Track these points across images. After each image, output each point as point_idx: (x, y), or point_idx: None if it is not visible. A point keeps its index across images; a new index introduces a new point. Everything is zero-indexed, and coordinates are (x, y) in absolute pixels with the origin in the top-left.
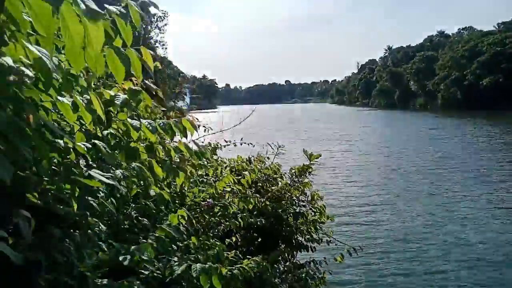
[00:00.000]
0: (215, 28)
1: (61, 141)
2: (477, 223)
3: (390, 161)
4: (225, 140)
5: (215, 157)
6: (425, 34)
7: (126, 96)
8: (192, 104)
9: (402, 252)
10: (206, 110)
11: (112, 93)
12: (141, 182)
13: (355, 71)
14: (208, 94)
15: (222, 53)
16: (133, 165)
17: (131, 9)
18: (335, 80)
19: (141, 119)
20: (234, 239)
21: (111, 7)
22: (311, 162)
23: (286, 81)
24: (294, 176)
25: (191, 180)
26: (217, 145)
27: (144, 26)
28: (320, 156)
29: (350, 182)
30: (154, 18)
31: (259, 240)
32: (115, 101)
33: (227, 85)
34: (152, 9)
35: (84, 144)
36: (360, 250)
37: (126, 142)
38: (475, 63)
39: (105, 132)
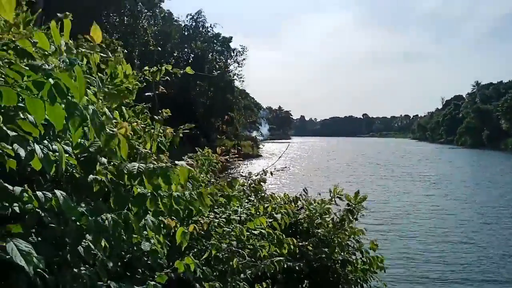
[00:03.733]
0: (293, 59)
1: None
2: None
3: (481, 211)
4: (267, 172)
5: (261, 192)
6: None
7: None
8: (270, 134)
9: None
10: (279, 141)
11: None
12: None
13: (439, 106)
14: (282, 125)
15: (300, 86)
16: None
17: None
18: (417, 115)
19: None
20: (265, 284)
21: None
22: (356, 206)
23: (363, 114)
24: (343, 220)
25: (222, 216)
26: (264, 179)
27: (224, 60)
28: (366, 198)
29: (413, 224)
30: (233, 52)
31: (300, 286)
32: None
33: (302, 116)
34: (232, 44)
35: (33, 195)
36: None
37: (114, 189)
38: None
39: (90, 177)
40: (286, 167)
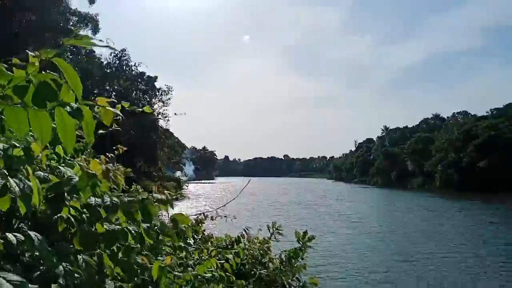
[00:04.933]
0: (217, 101)
1: None
2: None
3: (397, 247)
4: (210, 216)
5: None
6: (420, 117)
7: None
8: (194, 174)
9: None
10: (204, 181)
11: (68, 172)
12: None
13: (353, 149)
14: (207, 165)
15: (223, 126)
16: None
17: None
18: (333, 156)
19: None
20: None
21: None
22: (304, 245)
23: (284, 155)
24: (285, 261)
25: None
26: (202, 220)
27: (148, 99)
28: (314, 238)
29: (346, 262)
30: (158, 91)
31: None
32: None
33: (226, 157)
34: (157, 83)
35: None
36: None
37: (78, 227)
38: (470, 146)
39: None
40: (230, 215)
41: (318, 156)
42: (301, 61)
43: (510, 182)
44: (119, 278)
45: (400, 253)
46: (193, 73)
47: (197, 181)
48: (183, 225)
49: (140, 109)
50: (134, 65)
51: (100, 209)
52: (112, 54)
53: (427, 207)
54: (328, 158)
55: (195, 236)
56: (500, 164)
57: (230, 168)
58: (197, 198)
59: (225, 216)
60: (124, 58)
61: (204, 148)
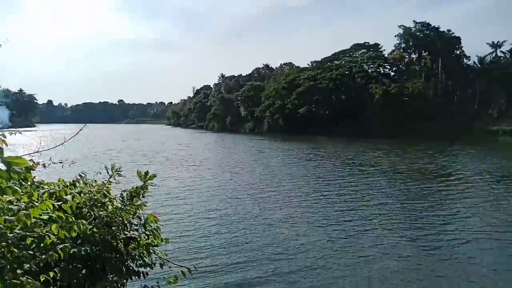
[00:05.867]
0: (37, 41)
1: None
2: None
3: (229, 183)
4: (43, 165)
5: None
6: (253, 66)
7: None
8: (9, 121)
9: (238, 270)
10: (22, 129)
11: None
12: None
13: (191, 95)
14: (25, 111)
15: (45, 68)
16: None
17: None
18: (171, 102)
19: None
20: (52, 274)
21: None
22: (145, 184)
23: (119, 101)
24: (126, 199)
25: None
26: (33, 166)
27: None
28: (155, 176)
29: (188, 203)
30: None
31: (84, 272)
32: None
33: (49, 101)
34: None
35: None
36: (195, 270)
37: None
38: (294, 94)
39: None
40: (65, 160)
41: (156, 102)
42: (141, 3)
43: (322, 126)
44: None
45: (234, 189)
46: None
47: (13, 130)
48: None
49: None
50: None
51: None
52: None
53: (258, 148)
54: (166, 104)
55: (22, 183)
56: (316, 110)
57: (55, 114)
58: (16, 149)
59: (60, 162)
60: None
61: (21, 90)
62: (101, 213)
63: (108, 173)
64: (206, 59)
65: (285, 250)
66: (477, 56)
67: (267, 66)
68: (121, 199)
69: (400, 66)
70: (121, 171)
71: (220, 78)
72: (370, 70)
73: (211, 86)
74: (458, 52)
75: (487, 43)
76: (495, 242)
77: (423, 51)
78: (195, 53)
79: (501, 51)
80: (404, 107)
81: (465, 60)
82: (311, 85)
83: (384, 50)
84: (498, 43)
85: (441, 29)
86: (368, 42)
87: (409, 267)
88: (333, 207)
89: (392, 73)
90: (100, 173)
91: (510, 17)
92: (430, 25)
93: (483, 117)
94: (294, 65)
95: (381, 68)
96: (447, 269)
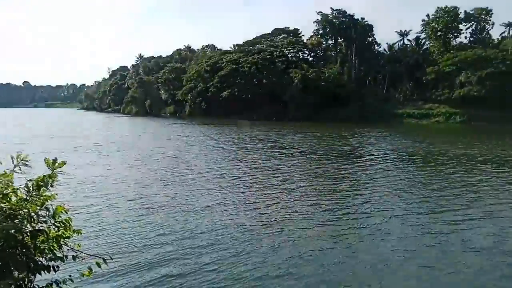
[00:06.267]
0: None
1: None
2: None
3: (153, 171)
4: None
5: None
6: (174, 47)
7: None
8: None
9: (160, 260)
10: None
11: None
12: None
13: (106, 76)
14: None
15: None
16: None
17: None
18: (84, 84)
19: None
20: None
21: None
22: (54, 172)
23: (24, 82)
24: (32, 189)
25: None
26: None
27: None
28: (65, 163)
29: (100, 192)
30: None
31: None
32: None
33: None
34: None
35: None
36: (110, 260)
37: None
38: (216, 77)
39: None
40: None
41: (67, 84)
42: None
43: (244, 110)
44: None
45: (156, 177)
46: None
47: None
48: None
49: None
50: None
51: None
52: None
53: (180, 132)
54: (78, 86)
55: None
56: (238, 94)
57: None
58: None
59: None
60: None
61: None
62: (2, 205)
63: (13, 163)
64: (123, 39)
65: (208, 239)
66: (387, 43)
67: (188, 47)
68: (26, 189)
69: (318, 51)
70: (27, 160)
71: (138, 59)
72: (290, 55)
73: (129, 67)
74: (370, 39)
75: (395, 31)
76: (405, 215)
77: (339, 38)
78: (111, 32)
79: (407, 39)
80: (321, 91)
81: (376, 47)
82: (234, 68)
83: (303, 35)
84: (405, 32)
85: (355, 17)
86: (288, 27)
87: (327, 242)
88: (256, 191)
89: (311, 58)
90: (0, 163)
91: (416, 7)
92: (346, 12)
93: (391, 101)
94: (216, 47)
95: (300, 53)
96: (361, 243)
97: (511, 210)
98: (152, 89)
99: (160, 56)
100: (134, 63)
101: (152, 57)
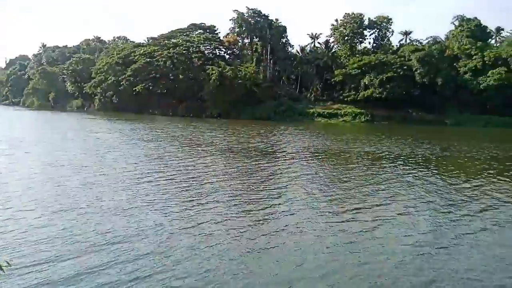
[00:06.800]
0: None
1: None
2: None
3: (55, 168)
4: None
5: None
6: (82, 37)
7: None
8: None
9: (68, 261)
10: None
11: None
12: None
13: (3, 66)
14: None
15: None
16: None
17: None
18: None
19: None
20: None
21: None
22: None
23: None
24: None
25: None
26: None
27: None
28: None
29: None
30: None
31: None
32: None
33: None
34: None
35: None
36: (8, 265)
37: None
38: (129, 70)
39: None
40: None
41: None
42: None
43: (160, 105)
44: None
45: (63, 175)
46: None
47: None
48: None
49: None
50: None
51: None
52: None
53: (90, 128)
54: None
55: None
56: (153, 89)
57: None
58: None
59: None
60: None
61: None
62: None
63: None
64: (18, 27)
65: (123, 237)
66: (299, 45)
67: (98, 38)
68: None
69: (235, 49)
70: None
71: (41, 48)
72: (206, 52)
73: (29, 56)
74: (284, 41)
75: (307, 34)
76: (316, 208)
77: (254, 37)
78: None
79: (318, 42)
80: (238, 89)
81: (289, 48)
82: (148, 61)
83: (219, 32)
84: (316, 35)
85: (270, 18)
86: (204, 23)
87: (245, 235)
88: (173, 189)
89: (227, 56)
90: None
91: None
92: (261, 12)
93: (303, 101)
94: (128, 39)
95: (217, 50)
96: (276, 234)
97: (392, 202)
98: (57, 81)
99: (66, 45)
100: (36, 53)
101: (57, 47)
